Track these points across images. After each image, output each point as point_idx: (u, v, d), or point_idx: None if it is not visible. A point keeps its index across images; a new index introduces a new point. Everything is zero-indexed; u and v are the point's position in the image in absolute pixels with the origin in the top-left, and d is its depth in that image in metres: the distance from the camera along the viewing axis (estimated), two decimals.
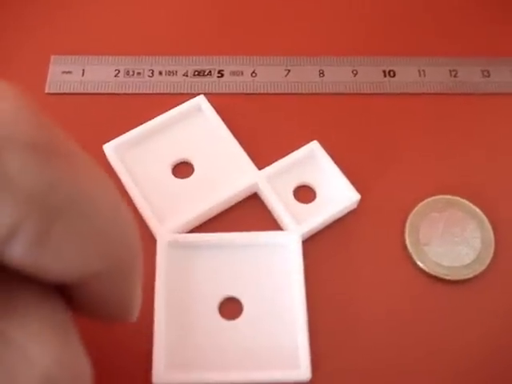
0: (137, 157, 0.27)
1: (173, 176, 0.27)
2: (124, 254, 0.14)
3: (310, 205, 0.26)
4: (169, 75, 0.30)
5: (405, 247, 0.26)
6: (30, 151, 0.12)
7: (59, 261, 0.13)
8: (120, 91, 0.30)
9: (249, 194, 0.27)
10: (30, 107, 0.13)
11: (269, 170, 0.27)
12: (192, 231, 0.26)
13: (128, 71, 0.30)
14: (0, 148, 0.11)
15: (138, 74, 0.30)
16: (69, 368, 0.13)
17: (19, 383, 0.12)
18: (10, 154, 0.11)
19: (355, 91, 0.30)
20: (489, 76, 0.31)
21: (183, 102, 0.28)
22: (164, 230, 0.25)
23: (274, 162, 0.27)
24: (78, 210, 0.12)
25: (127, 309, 0.17)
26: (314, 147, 0.27)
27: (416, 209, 0.26)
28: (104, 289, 0.15)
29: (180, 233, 0.25)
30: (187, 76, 0.30)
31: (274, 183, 0.26)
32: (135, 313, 0.18)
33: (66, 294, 0.15)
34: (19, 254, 0.12)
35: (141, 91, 0.29)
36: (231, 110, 0.29)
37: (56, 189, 0.12)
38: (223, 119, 0.28)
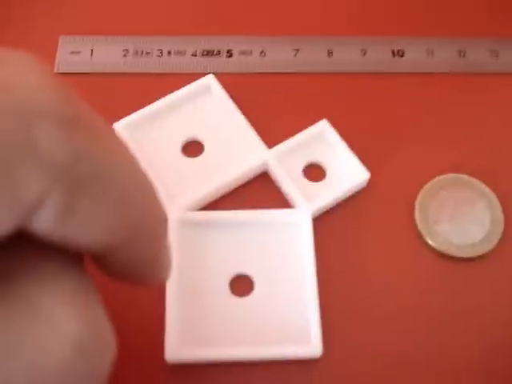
0: (147, 136, 0.27)
1: (183, 155, 0.27)
2: (149, 220, 0.15)
3: (319, 183, 0.26)
4: (178, 55, 0.30)
5: (414, 225, 0.26)
6: (58, 124, 0.12)
7: (86, 230, 0.13)
8: (129, 71, 0.29)
9: (259, 172, 0.27)
10: (56, 80, 0.13)
11: (279, 148, 0.27)
12: (202, 209, 0.26)
13: (137, 51, 0.30)
14: (31, 121, 0.11)
15: (147, 53, 0.30)
16: (98, 335, 0.13)
17: (52, 354, 0.12)
18: (40, 127, 0.11)
19: (364, 71, 0.30)
20: (497, 56, 0.31)
21: (192, 82, 0.28)
22: (174, 209, 0.25)
23: (283, 140, 0.27)
24: (103, 180, 0.13)
25: (158, 271, 0.17)
26: (323, 126, 0.27)
27: (425, 187, 0.26)
28: (132, 254, 0.15)
29: (190, 211, 0.25)
30: (196, 56, 0.30)
31: (283, 162, 0.26)
32: (166, 274, 0.18)
33: (95, 260, 0.15)
34: (47, 223, 0.12)
35: (150, 71, 0.29)
36: (240, 89, 0.29)
37: (82, 160, 0.12)
38: (232, 99, 0.28)
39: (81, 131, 0.12)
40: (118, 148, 0.14)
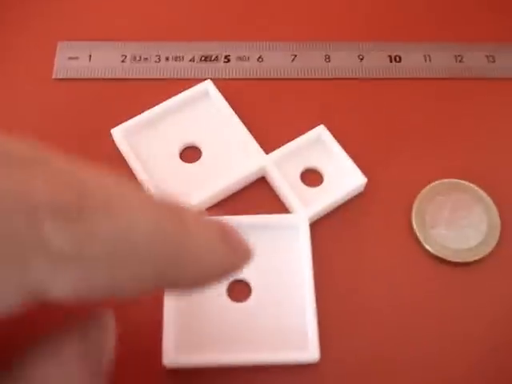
0: (145, 141, 0.27)
1: (180, 160, 0.27)
2: (174, 267, 0.15)
3: (317, 188, 0.27)
4: (175, 60, 0.30)
5: (411, 230, 0.26)
6: (58, 217, 0.13)
7: (113, 290, 0.14)
8: (127, 76, 0.30)
9: (256, 177, 0.27)
10: (55, 169, 0.14)
11: (276, 154, 0.27)
12: None
13: (135, 56, 0.30)
14: (36, 215, 0.12)
15: (145, 59, 0.30)
16: None
17: None
18: (44, 222, 0.12)
19: (361, 76, 0.30)
20: (494, 61, 0.31)
21: (190, 88, 0.28)
22: None
23: (281, 146, 0.27)
24: (116, 251, 0.14)
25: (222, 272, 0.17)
26: (320, 131, 0.27)
27: (422, 192, 0.27)
28: (177, 278, 0.16)
29: None
30: (194, 61, 0.30)
31: (281, 167, 0.27)
32: (239, 263, 0.17)
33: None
34: (62, 294, 0.13)
35: (148, 76, 0.30)
36: (238, 95, 0.29)
37: (86, 245, 0.13)
38: (230, 104, 0.28)
39: (82, 219, 0.13)
40: (128, 212, 0.14)
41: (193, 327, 0.23)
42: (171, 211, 0.16)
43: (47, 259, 0.13)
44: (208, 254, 0.16)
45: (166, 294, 0.23)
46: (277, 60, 0.30)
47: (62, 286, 0.13)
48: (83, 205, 0.13)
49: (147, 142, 0.27)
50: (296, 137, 0.27)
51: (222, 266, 0.17)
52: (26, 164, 0.13)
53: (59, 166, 0.14)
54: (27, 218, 0.12)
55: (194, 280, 0.16)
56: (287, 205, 0.26)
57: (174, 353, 0.22)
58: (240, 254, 0.17)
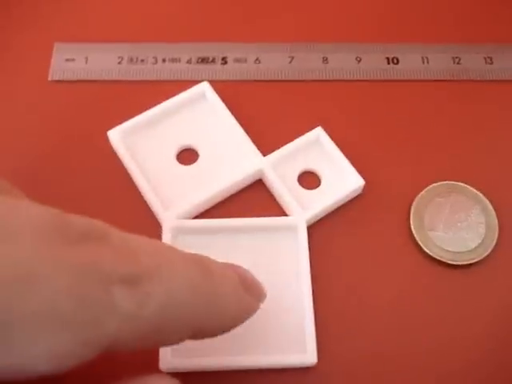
0: (141, 143, 0.27)
1: (177, 162, 0.27)
2: (208, 321, 0.18)
3: (314, 191, 0.26)
4: (172, 62, 0.30)
5: (410, 232, 0.26)
6: (124, 283, 0.15)
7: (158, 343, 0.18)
8: (123, 78, 0.29)
9: (254, 180, 0.27)
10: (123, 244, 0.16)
11: (273, 156, 0.27)
12: (197, 217, 0.26)
13: (131, 58, 0.30)
14: (107, 283, 0.15)
15: (142, 61, 0.30)
16: None
17: None
18: (114, 287, 0.15)
19: (359, 78, 0.30)
20: (492, 63, 0.31)
21: (187, 89, 0.28)
22: (169, 216, 0.25)
23: (278, 148, 0.27)
24: (166, 308, 0.16)
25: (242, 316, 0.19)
26: (318, 133, 0.27)
27: (421, 194, 0.27)
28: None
29: (185, 219, 0.25)
30: (191, 63, 0.30)
31: (278, 169, 0.26)
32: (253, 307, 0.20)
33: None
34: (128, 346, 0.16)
35: (144, 78, 0.29)
36: (235, 96, 0.29)
37: (145, 306, 0.15)
38: (227, 106, 0.28)
39: (141, 283, 0.15)
40: (174, 276, 0.16)
41: None
42: (200, 266, 0.18)
43: (117, 319, 0.15)
44: (235, 304, 0.19)
45: None
46: (274, 62, 0.30)
47: (125, 340, 0.15)
48: (141, 272, 0.15)
49: (144, 143, 0.27)
50: (293, 139, 0.27)
51: (246, 312, 0.19)
52: (89, 238, 0.15)
53: (116, 237, 0.16)
54: (101, 287, 0.14)
55: (222, 329, 0.19)
56: (285, 207, 0.26)
57: (171, 357, 0.22)
58: (258, 297, 0.20)
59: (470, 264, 0.25)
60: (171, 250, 0.18)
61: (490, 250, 0.25)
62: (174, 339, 0.17)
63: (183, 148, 0.27)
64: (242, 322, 0.19)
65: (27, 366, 0.14)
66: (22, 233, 0.14)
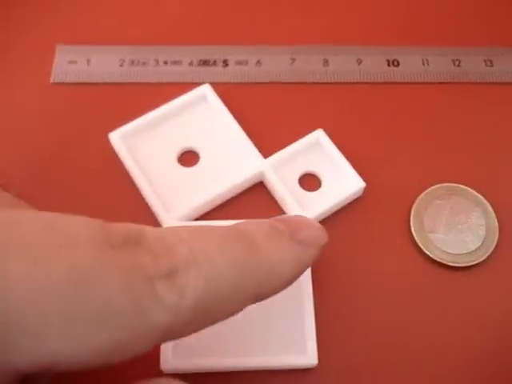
0: (143, 145, 0.27)
1: (178, 164, 0.27)
2: (259, 288, 0.18)
3: (315, 193, 0.27)
4: (174, 65, 0.30)
5: (410, 234, 0.26)
6: (164, 276, 0.16)
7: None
8: (125, 81, 0.30)
9: (254, 182, 0.27)
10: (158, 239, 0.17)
11: (274, 158, 0.27)
12: (198, 219, 0.26)
13: (133, 61, 0.30)
14: (151, 280, 0.16)
15: (143, 63, 0.30)
16: None
17: None
18: (157, 282, 0.16)
19: (359, 80, 0.30)
20: (492, 65, 0.31)
21: (188, 92, 0.28)
22: (170, 219, 0.25)
23: (279, 150, 0.27)
24: (208, 294, 0.17)
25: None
26: (319, 135, 0.27)
27: (421, 196, 0.27)
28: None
29: (186, 221, 0.25)
30: (192, 65, 0.30)
31: (279, 171, 0.27)
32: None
33: None
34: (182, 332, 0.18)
35: (146, 81, 0.30)
36: (236, 99, 0.29)
37: (185, 297, 0.16)
38: (228, 108, 0.28)
39: (178, 276, 0.16)
40: (209, 263, 0.17)
41: None
42: (241, 240, 0.18)
43: (164, 310, 0.16)
44: (287, 263, 0.19)
45: None
46: (275, 64, 0.30)
47: (179, 328, 0.17)
48: (177, 264, 0.17)
49: (145, 146, 0.27)
50: (294, 141, 0.27)
51: (303, 263, 0.19)
52: (129, 242, 0.16)
53: (151, 236, 0.17)
54: (145, 283, 0.16)
55: (282, 287, 0.19)
56: (285, 209, 0.26)
57: (172, 358, 0.22)
58: (314, 242, 0.20)
59: (471, 266, 0.25)
60: (207, 233, 0.18)
61: (490, 252, 0.26)
62: (231, 312, 0.18)
63: (184, 150, 0.27)
64: (302, 273, 0.20)
65: (92, 357, 0.15)
66: (79, 240, 0.15)
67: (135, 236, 0.17)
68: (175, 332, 0.17)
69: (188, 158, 0.27)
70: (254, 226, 0.19)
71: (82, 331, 0.15)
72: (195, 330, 0.18)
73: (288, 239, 0.19)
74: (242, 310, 0.18)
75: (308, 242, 0.20)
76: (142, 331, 0.16)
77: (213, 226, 0.19)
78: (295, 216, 0.22)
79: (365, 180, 0.26)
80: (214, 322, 0.18)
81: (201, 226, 0.19)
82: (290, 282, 0.19)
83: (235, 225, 0.19)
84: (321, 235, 0.21)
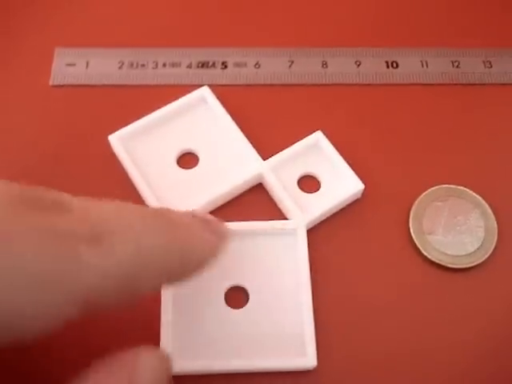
0: (142, 148, 0.27)
1: (178, 166, 0.27)
2: (179, 266, 0.19)
3: (314, 194, 0.27)
4: (173, 67, 0.30)
5: (409, 236, 0.26)
6: (88, 241, 0.16)
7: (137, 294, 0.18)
8: (124, 83, 0.30)
9: (253, 184, 0.27)
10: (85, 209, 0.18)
11: (273, 160, 0.27)
12: None
13: (132, 63, 0.30)
14: (72, 241, 0.16)
15: (142, 65, 0.30)
16: None
17: None
18: (79, 245, 0.16)
19: (358, 82, 0.30)
20: (491, 67, 0.31)
21: (187, 94, 0.28)
22: None
23: (278, 152, 0.27)
24: (133, 266, 0.17)
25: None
26: (318, 137, 0.27)
27: (420, 198, 0.27)
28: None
29: None
30: (191, 68, 0.30)
31: (278, 173, 0.27)
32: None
33: None
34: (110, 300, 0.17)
35: (145, 83, 0.30)
36: (235, 101, 0.29)
37: (112, 256, 0.17)
38: (227, 110, 0.28)
39: (104, 240, 0.17)
40: (134, 235, 0.18)
41: (190, 334, 0.23)
42: (164, 218, 0.19)
43: (89, 272, 0.16)
44: (202, 246, 0.20)
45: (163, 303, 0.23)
46: (274, 66, 0.30)
47: (102, 293, 0.17)
48: (102, 230, 0.17)
49: (144, 148, 0.27)
50: (293, 143, 0.27)
51: (212, 252, 0.21)
52: (54, 207, 0.17)
53: (78, 203, 0.17)
54: (68, 245, 0.16)
55: (193, 271, 0.20)
56: (284, 211, 0.26)
57: (172, 360, 0.22)
58: (222, 237, 0.21)
59: (469, 267, 0.25)
60: (133, 207, 0.19)
61: (489, 254, 0.26)
62: (147, 288, 0.19)
63: (183, 152, 0.27)
64: (209, 263, 0.20)
65: (15, 325, 0.15)
66: None
67: (60, 201, 0.17)
68: (97, 299, 0.17)
69: (187, 160, 0.27)
70: (177, 212, 0.20)
71: (1, 290, 0.15)
72: (116, 302, 0.18)
73: (201, 226, 0.20)
74: (154, 290, 0.19)
75: (217, 234, 0.21)
76: (63, 294, 0.16)
77: (135, 205, 0.19)
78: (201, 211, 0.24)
79: (363, 182, 0.26)
80: (132, 294, 0.18)
81: (126, 203, 0.19)
82: (198, 267, 0.20)
83: (159, 208, 0.21)
84: (227, 230, 0.22)
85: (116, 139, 0.27)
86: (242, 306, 0.24)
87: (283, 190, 0.26)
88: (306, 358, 0.23)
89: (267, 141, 0.28)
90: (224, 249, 0.21)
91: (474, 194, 0.27)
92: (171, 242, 0.19)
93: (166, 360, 0.19)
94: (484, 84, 0.30)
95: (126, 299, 0.18)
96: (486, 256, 0.25)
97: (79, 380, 0.17)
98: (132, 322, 0.23)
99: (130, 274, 0.17)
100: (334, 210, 0.26)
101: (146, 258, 0.18)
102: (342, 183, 0.27)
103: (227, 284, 0.24)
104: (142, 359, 0.18)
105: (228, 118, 0.28)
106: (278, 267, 0.25)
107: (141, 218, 0.18)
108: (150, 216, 0.19)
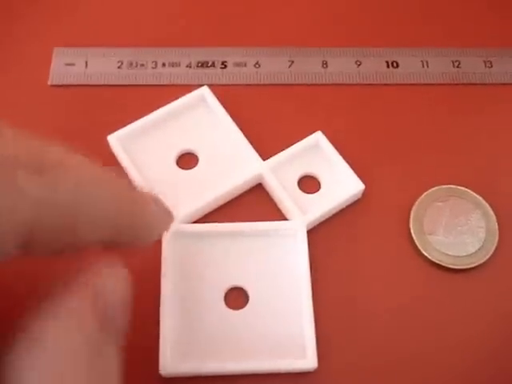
0: (141, 148, 0.27)
1: (177, 167, 0.27)
2: (130, 228, 0.18)
3: (314, 195, 0.26)
4: (172, 67, 0.30)
5: (409, 236, 0.26)
6: (28, 168, 0.15)
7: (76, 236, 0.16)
8: (123, 83, 0.29)
9: (253, 184, 0.27)
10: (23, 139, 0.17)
11: (273, 160, 0.27)
12: (197, 222, 0.26)
13: (131, 63, 0.30)
14: (9, 167, 0.15)
15: (142, 65, 0.30)
16: None
17: None
18: (17, 171, 0.15)
19: (358, 82, 0.30)
20: (491, 67, 0.31)
21: (187, 94, 0.28)
22: None
23: (278, 152, 0.27)
24: (77, 199, 0.16)
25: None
26: (318, 137, 0.27)
27: (420, 198, 0.27)
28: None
29: (185, 223, 0.25)
30: (190, 67, 0.30)
31: (278, 174, 0.26)
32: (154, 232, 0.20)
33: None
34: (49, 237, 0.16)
35: (144, 83, 0.29)
36: (235, 100, 0.29)
37: (56, 188, 0.16)
38: (227, 110, 0.28)
39: (47, 171, 0.16)
40: (81, 169, 0.17)
41: (189, 336, 0.23)
42: (117, 177, 0.19)
43: (28, 204, 0.15)
44: (152, 213, 0.19)
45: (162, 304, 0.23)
46: (274, 66, 0.30)
47: (41, 230, 0.15)
48: (45, 161, 0.16)
49: (144, 148, 0.27)
50: (293, 143, 0.27)
51: (162, 223, 0.20)
52: None
53: (13, 134, 0.17)
54: (4, 171, 0.15)
55: (141, 237, 0.19)
56: (284, 211, 0.26)
57: (171, 361, 0.22)
58: (168, 215, 0.20)
59: (470, 268, 0.25)
60: (82, 158, 0.18)
61: (490, 255, 0.25)
62: (90, 236, 0.17)
63: (183, 152, 0.27)
64: (158, 235, 0.20)
65: None
66: None
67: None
68: (35, 235, 0.15)
69: (187, 160, 0.27)
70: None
71: None
72: (57, 245, 0.16)
73: (152, 199, 0.20)
74: (97, 242, 0.17)
75: (165, 210, 0.20)
76: (2, 226, 0.15)
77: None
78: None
79: (364, 182, 0.26)
80: (73, 243, 0.17)
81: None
82: (150, 236, 0.19)
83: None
84: (172, 215, 0.21)
85: (115, 139, 0.27)
86: (241, 307, 0.24)
87: (283, 191, 0.26)
88: (306, 359, 0.23)
89: (267, 141, 0.28)
90: (169, 228, 0.21)
91: (475, 194, 0.27)
92: (121, 194, 0.18)
93: (127, 280, 0.17)
94: (485, 84, 0.30)
95: (68, 243, 0.16)
96: (487, 257, 0.25)
97: (38, 300, 0.16)
98: (131, 322, 0.23)
99: (71, 208, 0.16)
100: (335, 211, 0.26)
101: (87, 197, 0.16)
102: (342, 183, 0.27)
103: (227, 285, 0.24)
104: (107, 280, 0.17)
105: (228, 117, 0.28)
106: (277, 268, 0.25)
107: (90, 163, 0.18)
108: (103, 169, 0.18)
